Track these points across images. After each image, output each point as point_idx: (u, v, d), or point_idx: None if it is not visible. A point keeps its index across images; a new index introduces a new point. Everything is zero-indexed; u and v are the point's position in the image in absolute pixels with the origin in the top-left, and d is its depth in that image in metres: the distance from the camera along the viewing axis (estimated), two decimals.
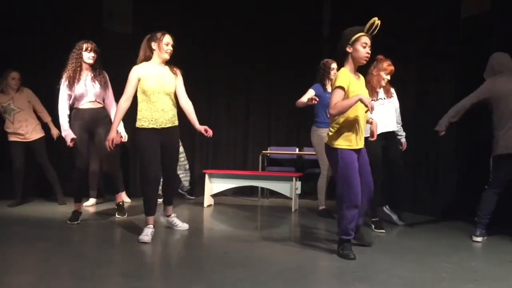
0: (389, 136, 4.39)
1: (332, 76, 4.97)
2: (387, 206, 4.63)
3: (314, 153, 5.50)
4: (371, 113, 3.26)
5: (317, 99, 4.74)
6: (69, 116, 4.34)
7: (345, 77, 3.19)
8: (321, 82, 5.07)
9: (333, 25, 7.14)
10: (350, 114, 3.20)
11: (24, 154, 5.39)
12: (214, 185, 5.83)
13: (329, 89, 4.99)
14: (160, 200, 4.32)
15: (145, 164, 3.71)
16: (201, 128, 3.89)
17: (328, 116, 4.71)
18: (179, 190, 6.41)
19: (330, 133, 3.32)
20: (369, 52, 3.22)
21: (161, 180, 3.97)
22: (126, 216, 4.73)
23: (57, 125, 4.65)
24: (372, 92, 4.24)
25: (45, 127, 5.46)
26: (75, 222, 4.28)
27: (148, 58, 3.78)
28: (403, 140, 4.62)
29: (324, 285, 2.77)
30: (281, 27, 7.13)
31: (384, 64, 4.27)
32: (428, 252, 3.54)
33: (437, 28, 5.41)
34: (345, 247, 3.25)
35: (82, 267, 2.86)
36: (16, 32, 5.89)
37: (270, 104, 7.28)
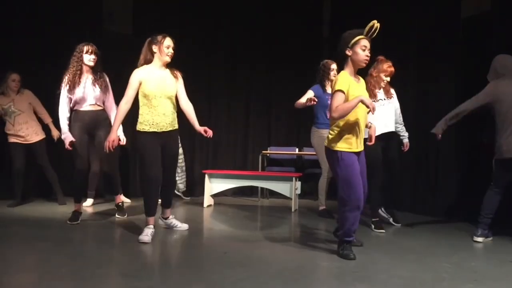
0: (389, 137, 4.39)
1: (332, 77, 4.97)
2: (382, 209, 4.63)
3: (314, 153, 5.51)
4: (373, 114, 3.25)
5: (316, 100, 4.74)
6: (69, 118, 4.35)
7: (344, 81, 3.18)
8: (321, 83, 5.06)
9: (333, 25, 7.15)
10: (351, 117, 3.20)
11: (24, 155, 5.39)
12: (214, 185, 5.83)
13: (328, 90, 4.99)
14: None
15: (146, 166, 3.71)
16: (200, 129, 3.89)
17: (328, 117, 4.73)
18: (175, 192, 6.39)
19: (330, 136, 3.31)
20: (369, 55, 3.22)
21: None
22: (126, 216, 4.73)
23: (58, 126, 4.66)
24: (371, 93, 4.24)
25: (45, 128, 5.46)
26: (75, 222, 4.28)
27: (148, 61, 3.78)
28: (406, 140, 4.62)
29: (324, 285, 2.77)
30: (281, 27, 7.12)
31: (385, 65, 4.26)
32: (428, 252, 3.54)
33: (437, 28, 5.41)
34: (345, 248, 3.25)
35: (82, 267, 2.86)
36: (16, 32, 5.89)
37: (270, 104, 7.28)
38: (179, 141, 6.18)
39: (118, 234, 4.06)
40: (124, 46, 6.09)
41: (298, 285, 2.63)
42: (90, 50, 4.34)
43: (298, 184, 5.66)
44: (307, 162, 7.14)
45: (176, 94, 3.85)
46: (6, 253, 3.21)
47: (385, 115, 4.35)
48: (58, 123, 4.43)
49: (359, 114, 3.23)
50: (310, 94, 4.92)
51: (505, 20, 4.73)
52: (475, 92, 4.10)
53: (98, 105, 4.42)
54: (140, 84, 3.69)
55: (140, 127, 3.73)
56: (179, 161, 6.25)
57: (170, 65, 3.85)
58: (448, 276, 2.88)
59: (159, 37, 3.72)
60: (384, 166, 4.34)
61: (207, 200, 5.83)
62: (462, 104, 4.14)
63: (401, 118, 4.60)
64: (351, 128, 3.23)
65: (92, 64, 4.36)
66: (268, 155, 7.16)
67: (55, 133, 5.35)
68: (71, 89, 4.26)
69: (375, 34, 3.18)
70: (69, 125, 4.34)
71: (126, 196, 5.97)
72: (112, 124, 4.57)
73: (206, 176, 5.80)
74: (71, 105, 4.34)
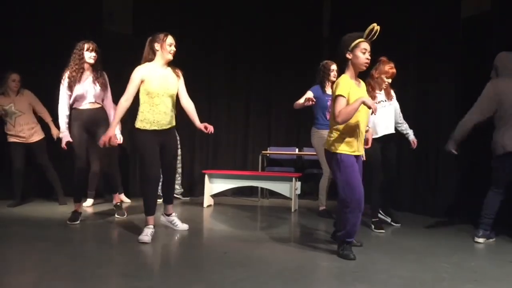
0: (388, 138, 4.39)
1: (332, 78, 4.97)
2: (380, 211, 4.62)
3: (314, 153, 5.51)
4: (375, 114, 3.25)
5: (314, 100, 4.74)
6: (69, 116, 4.35)
7: (345, 85, 3.17)
8: (321, 83, 5.06)
9: (333, 25, 7.15)
10: (352, 119, 3.19)
11: (24, 155, 5.39)
12: (214, 185, 5.83)
13: (328, 91, 4.99)
14: (159, 201, 4.33)
15: (145, 165, 3.71)
16: (201, 125, 3.89)
17: (328, 118, 4.73)
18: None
19: (330, 138, 3.30)
20: (369, 58, 3.21)
21: (161, 180, 3.99)
22: (125, 216, 4.73)
23: (57, 125, 4.66)
24: (371, 94, 4.23)
25: (45, 127, 5.45)
26: (75, 222, 4.28)
27: (150, 60, 3.77)
28: (412, 137, 4.60)
29: (324, 285, 2.77)
30: (281, 27, 7.12)
31: (386, 67, 4.26)
32: (428, 252, 3.54)
33: (437, 28, 5.41)
34: (345, 248, 3.25)
35: (82, 267, 2.86)
36: (16, 32, 5.89)
37: (270, 104, 7.28)
38: (179, 142, 6.22)
39: (118, 234, 4.06)
40: (124, 46, 6.09)
41: (298, 285, 2.63)
42: (90, 48, 4.34)
43: (298, 184, 5.66)
44: (307, 162, 7.14)
45: (177, 93, 3.86)
46: (6, 253, 3.21)
47: (386, 117, 4.35)
48: (58, 121, 4.43)
49: (360, 117, 3.22)
50: (309, 95, 4.92)
51: (505, 20, 4.73)
52: (475, 92, 4.09)
53: (98, 103, 4.42)
54: (142, 81, 3.68)
55: (140, 125, 3.72)
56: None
57: (171, 64, 3.85)
58: (448, 276, 2.88)
59: (161, 35, 3.72)
60: (382, 167, 4.34)
61: (207, 200, 5.83)
62: (467, 119, 4.05)
63: (401, 117, 4.60)
64: (352, 131, 3.23)
65: (92, 61, 4.36)
66: (268, 155, 7.16)
67: (55, 132, 5.35)
68: (71, 86, 4.26)
69: (375, 36, 3.18)
70: (68, 123, 4.34)
71: (126, 195, 5.97)
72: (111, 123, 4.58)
73: (206, 176, 5.80)
74: (70, 103, 4.34)
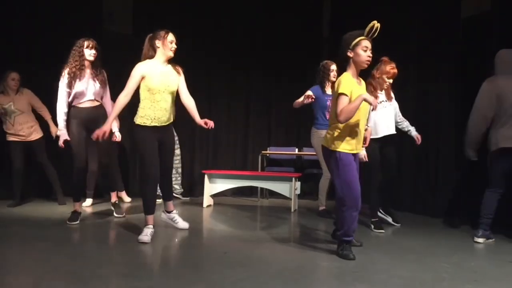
0: (387, 138, 4.39)
1: (331, 78, 4.97)
2: (380, 210, 4.63)
3: (314, 153, 5.51)
4: (375, 110, 3.24)
5: (313, 97, 4.74)
6: (68, 114, 4.35)
7: (348, 84, 3.16)
8: (321, 84, 5.06)
9: (333, 25, 7.15)
10: (352, 118, 3.19)
11: (24, 154, 5.40)
12: (213, 185, 5.83)
13: (328, 91, 4.99)
14: (159, 200, 4.33)
15: (145, 164, 3.70)
16: (201, 121, 3.85)
17: (327, 118, 4.73)
18: (173, 193, 6.37)
19: (329, 136, 3.31)
20: (371, 55, 3.20)
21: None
22: (124, 215, 4.73)
23: (56, 123, 4.65)
24: (374, 94, 4.24)
25: (44, 126, 5.45)
26: (75, 222, 4.28)
27: (150, 57, 3.77)
28: (415, 133, 4.59)
29: (324, 285, 2.77)
30: (281, 27, 7.12)
31: (387, 67, 4.25)
32: (428, 252, 3.54)
33: (437, 28, 5.41)
34: (344, 248, 3.25)
35: (82, 267, 2.86)
36: (16, 32, 5.89)
37: (270, 104, 7.28)
38: (178, 143, 6.21)
39: (117, 234, 4.06)
40: (124, 46, 6.09)
41: (298, 285, 2.63)
42: (90, 45, 4.34)
43: (298, 184, 5.66)
44: (307, 162, 7.14)
45: (177, 90, 3.85)
46: (6, 253, 3.21)
47: (386, 117, 4.35)
48: (56, 119, 4.43)
49: (360, 115, 3.22)
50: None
51: (505, 20, 4.73)
52: (475, 92, 4.10)
53: (97, 101, 4.41)
54: (143, 78, 3.68)
55: (141, 121, 3.70)
56: (176, 161, 6.26)
57: (171, 61, 3.84)
58: (448, 276, 2.88)
59: (162, 32, 3.72)
60: (382, 166, 4.34)
61: (207, 200, 5.83)
62: (472, 126, 4.06)
63: (400, 115, 4.60)
64: (351, 129, 3.23)
65: (92, 58, 4.36)
66: (267, 155, 7.16)
67: (53, 129, 5.32)
68: (71, 83, 4.26)
69: (376, 34, 3.18)
70: (67, 121, 4.34)
71: (126, 194, 5.96)
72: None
73: (206, 176, 5.80)
74: (69, 100, 4.34)
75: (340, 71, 3.36)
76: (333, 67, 4.99)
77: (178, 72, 3.85)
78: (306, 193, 6.71)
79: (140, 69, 3.68)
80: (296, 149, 7.09)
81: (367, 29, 3.15)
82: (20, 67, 5.43)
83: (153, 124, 3.70)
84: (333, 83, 4.82)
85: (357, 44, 3.18)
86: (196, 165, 6.91)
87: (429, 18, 5.50)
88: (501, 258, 3.42)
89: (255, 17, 7.12)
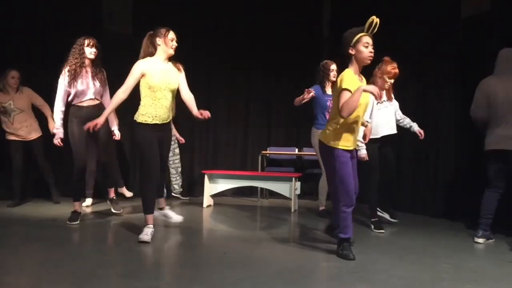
0: (388, 139, 4.39)
1: (331, 78, 4.96)
2: (377, 208, 4.62)
3: (314, 153, 5.50)
4: (379, 99, 3.22)
5: (313, 92, 4.74)
6: (68, 112, 4.35)
7: (350, 79, 3.16)
8: (321, 84, 5.05)
9: (333, 25, 7.15)
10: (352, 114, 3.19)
11: (23, 153, 5.41)
12: (213, 186, 5.83)
13: (328, 91, 4.98)
14: None
15: (146, 163, 3.69)
16: (197, 113, 3.80)
17: (327, 118, 4.73)
18: (172, 194, 6.37)
19: (328, 131, 3.31)
20: (372, 51, 3.20)
21: None
22: (121, 210, 4.75)
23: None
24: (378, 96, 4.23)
25: (43, 126, 5.44)
26: (75, 222, 4.27)
27: (150, 54, 3.77)
28: (417, 128, 4.57)
29: (324, 285, 2.77)
30: (281, 27, 7.12)
31: (388, 67, 4.25)
32: (427, 252, 3.54)
33: (437, 28, 5.41)
34: (344, 248, 3.25)
35: (82, 267, 2.86)
36: (16, 32, 5.89)
37: (270, 104, 7.28)
38: (176, 141, 6.20)
39: (117, 234, 4.06)
40: (124, 46, 6.08)
41: (298, 285, 2.63)
42: (91, 43, 4.34)
43: (298, 184, 5.66)
44: (307, 162, 7.14)
45: (178, 87, 3.84)
46: (6, 253, 3.21)
47: (388, 117, 4.36)
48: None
49: (360, 111, 3.23)
50: None
51: (505, 20, 4.73)
52: (475, 92, 4.10)
53: (97, 99, 4.42)
54: (143, 75, 3.67)
55: (142, 119, 3.68)
56: (176, 161, 6.25)
57: (171, 59, 3.83)
58: (448, 276, 2.88)
59: (163, 30, 3.71)
60: (381, 167, 4.34)
61: (207, 200, 5.82)
62: (473, 112, 4.10)
63: (400, 113, 4.59)
64: (350, 125, 3.24)
65: (93, 57, 4.36)
66: (267, 155, 7.16)
67: (52, 125, 5.27)
68: (71, 81, 4.26)
69: (376, 29, 3.17)
70: (68, 120, 4.34)
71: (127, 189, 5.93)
72: (109, 120, 4.58)
73: (206, 176, 5.79)
74: (70, 99, 4.34)
75: (340, 70, 3.36)
76: (333, 67, 4.99)
77: (178, 69, 3.85)
78: (306, 193, 6.71)
79: (140, 67, 3.67)
80: (296, 149, 7.10)
81: (367, 25, 3.15)
82: (20, 67, 5.43)
83: (154, 121, 3.70)
84: (333, 83, 4.83)
85: (358, 40, 3.18)
86: (195, 165, 6.91)
87: (429, 18, 5.50)
88: (501, 258, 3.42)
89: (255, 17, 7.12)
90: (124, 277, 2.69)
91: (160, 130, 3.74)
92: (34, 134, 5.42)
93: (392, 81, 4.31)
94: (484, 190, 4.01)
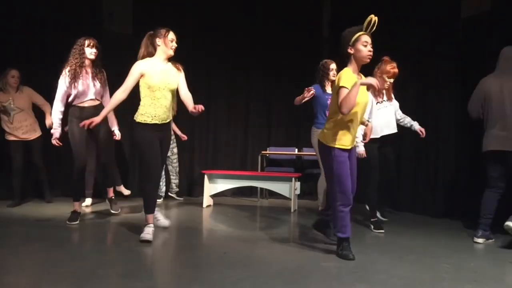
0: (387, 139, 4.39)
1: (331, 77, 4.96)
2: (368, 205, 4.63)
3: (313, 153, 5.50)
4: (379, 87, 3.21)
5: (313, 90, 4.74)
6: (68, 113, 4.35)
7: (348, 77, 3.16)
8: (320, 83, 5.05)
9: (333, 25, 7.15)
10: (348, 115, 3.19)
11: (23, 153, 5.41)
12: (213, 186, 5.83)
13: (328, 90, 4.98)
14: (159, 200, 4.33)
15: (147, 163, 3.67)
16: (192, 108, 3.70)
17: (327, 116, 4.73)
18: (169, 193, 6.36)
19: (326, 131, 3.32)
20: (371, 50, 3.19)
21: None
22: (119, 210, 4.76)
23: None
24: (377, 93, 4.24)
25: (43, 126, 5.45)
26: (75, 222, 4.27)
27: (150, 55, 3.77)
28: (418, 126, 4.55)
29: (324, 285, 2.76)
30: (281, 27, 7.12)
31: (388, 67, 4.25)
32: (427, 252, 3.54)
33: (437, 28, 5.41)
34: (344, 248, 3.25)
35: (82, 267, 2.86)
36: (16, 32, 5.89)
37: (270, 104, 7.29)
38: (175, 141, 6.20)
39: (117, 233, 4.06)
40: (124, 46, 6.08)
41: (298, 285, 2.63)
42: (91, 44, 4.34)
43: (298, 184, 5.66)
44: (307, 162, 7.14)
45: (177, 87, 3.84)
46: (6, 253, 3.21)
47: (387, 117, 4.35)
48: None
49: (358, 112, 3.23)
50: None
51: (505, 20, 4.74)
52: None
53: (97, 100, 4.42)
54: (142, 76, 3.67)
55: (141, 118, 3.68)
56: (174, 161, 6.25)
57: (171, 59, 3.83)
58: (448, 276, 2.88)
59: (163, 31, 3.71)
60: (381, 166, 4.34)
61: (207, 201, 5.83)
62: (469, 110, 4.13)
63: (401, 112, 4.59)
64: (348, 125, 3.24)
65: (93, 57, 4.36)
66: (267, 155, 7.16)
67: (49, 121, 5.25)
68: (72, 82, 4.26)
69: (375, 28, 3.17)
70: (67, 120, 4.35)
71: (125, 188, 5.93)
72: (109, 120, 4.58)
73: (206, 176, 5.80)
74: (70, 100, 4.34)
75: (340, 70, 3.35)
76: (333, 66, 4.98)
77: (178, 69, 3.85)
78: (306, 193, 6.72)
79: (139, 67, 3.68)
80: (296, 149, 7.10)
81: (365, 24, 3.15)
82: (20, 67, 5.43)
83: (153, 121, 3.69)
84: (332, 82, 4.82)
85: (356, 40, 3.18)
86: (195, 165, 6.91)
87: (429, 18, 5.51)
88: (501, 258, 3.42)
89: (255, 17, 7.12)
90: (124, 277, 2.69)
91: (159, 130, 3.74)
92: (34, 134, 5.42)
93: (392, 80, 4.31)
94: (484, 190, 4.02)
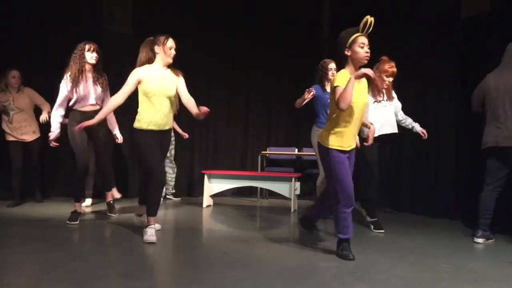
0: (387, 138, 4.39)
1: (330, 77, 4.95)
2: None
3: (313, 153, 5.50)
4: (374, 77, 3.21)
5: (314, 91, 4.74)
6: (68, 117, 4.36)
7: (342, 78, 3.16)
8: (320, 83, 5.04)
9: (333, 25, 7.14)
10: (347, 116, 3.20)
11: (23, 154, 5.41)
12: (213, 186, 5.83)
13: (328, 89, 4.98)
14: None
15: (152, 167, 3.64)
16: (197, 112, 3.69)
17: (328, 113, 4.72)
18: (166, 195, 6.36)
19: (325, 132, 3.32)
20: (368, 51, 3.20)
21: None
22: (117, 214, 4.77)
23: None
24: (377, 93, 4.24)
25: (43, 126, 5.45)
26: (75, 222, 4.27)
27: (150, 61, 3.77)
28: (419, 128, 4.53)
29: (324, 285, 2.76)
30: (281, 27, 7.12)
31: (386, 66, 4.24)
32: (427, 253, 3.54)
33: (437, 28, 5.41)
34: (344, 248, 3.25)
35: (82, 267, 2.86)
36: (16, 32, 5.89)
37: (270, 104, 7.28)
38: (173, 143, 6.19)
39: (117, 234, 4.05)
40: (124, 46, 6.09)
41: (297, 285, 2.63)
42: (92, 48, 4.34)
43: (297, 184, 5.66)
44: (306, 162, 7.14)
45: (176, 93, 3.84)
46: (6, 253, 3.21)
47: (386, 116, 4.34)
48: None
49: (357, 113, 3.23)
50: None
51: (505, 20, 4.74)
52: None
53: (98, 105, 4.43)
54: (140, 82, 3.68)
55: (138, 124, 3.70)
56: (172, 161, 6.24)
57: (171, 66, 3.84)
58: (447, 276, 2.88)
59: (162, 38, 3.70)
60: (380, 166, 4.33)
61: (206, 201, 5.83)
62: (472, 106, 4.19)
63: (402, 113, 4.59)
64: (346, 126, 3.24)
65: (94, 62, 4.36)
66: (267, 155, 7.16)
67: (44, 116, 5.23)
68: (73, 87, 4.26)
69: (371, 29, 3.17)
70: (68, 124, 4.36)
71: (125, 196, 5.93)
72: (110, 125, 4.59)
73: (206, 177, 5.80)
74: (71, 104, 4.34)
75: (339, 70, 3.36)
76: (332, 65, 4.97)
77: (177, 75, 3.84)
78: (306, 193, 6.71)
79: (136, 75, 3.69)
80: (296, 149, 7.10)
81: (361, 25, 3.16)
82: (20, 67, 5.43)
83: (149, 127, 3.69)
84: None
85: (353, 41, 3.18)
86: (195, 165, 6.91)
87: (429, 18, 5.51)
88: (501, 258, 3.42)
89: (255, 17, 7.12)
90: (124, 277, 2.69)
91: (157, 138, 3.73)
92: (33, 135, 5.42)
93: (391, 79, 4.31)
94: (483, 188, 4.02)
